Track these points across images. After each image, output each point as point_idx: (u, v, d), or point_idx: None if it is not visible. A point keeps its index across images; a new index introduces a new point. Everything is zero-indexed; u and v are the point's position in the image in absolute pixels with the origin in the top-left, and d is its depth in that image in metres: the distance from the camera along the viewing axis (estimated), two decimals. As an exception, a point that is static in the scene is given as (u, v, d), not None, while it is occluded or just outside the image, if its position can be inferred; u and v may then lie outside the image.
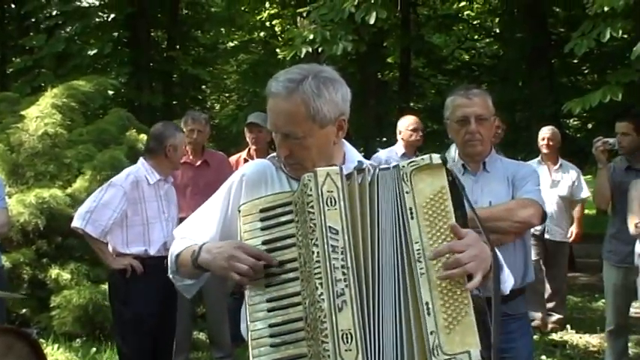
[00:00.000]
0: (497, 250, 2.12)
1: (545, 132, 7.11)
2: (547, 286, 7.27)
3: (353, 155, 2.32)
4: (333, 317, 1.84)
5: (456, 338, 1.83)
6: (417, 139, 6.62)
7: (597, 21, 6.72)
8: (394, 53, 15.26)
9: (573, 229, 7.27)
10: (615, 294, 5.68)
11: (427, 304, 1.84)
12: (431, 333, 1.83)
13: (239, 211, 2.10)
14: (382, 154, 6.65)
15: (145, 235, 4.86)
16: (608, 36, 6.56)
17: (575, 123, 14.62)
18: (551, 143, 7.01)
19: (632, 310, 6.06)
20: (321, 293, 1.86)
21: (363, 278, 1.89)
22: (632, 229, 5.09)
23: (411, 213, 1.92)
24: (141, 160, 5.02)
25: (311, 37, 8.34)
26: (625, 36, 7.43)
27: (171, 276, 2.36)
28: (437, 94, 14.81)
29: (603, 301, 6.60)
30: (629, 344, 6.16)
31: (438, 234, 1.91)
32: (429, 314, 1.83)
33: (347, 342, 1.82)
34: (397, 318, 1.88)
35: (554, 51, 11.87)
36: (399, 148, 6.67)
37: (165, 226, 4.93)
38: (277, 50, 10.82)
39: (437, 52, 15.70)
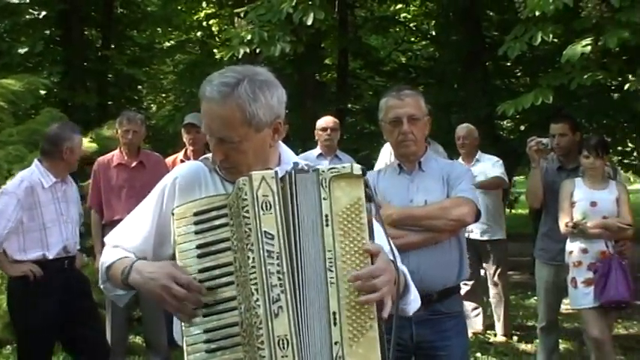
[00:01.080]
0: (403, 271, 2.17)
1: (459, 131, 7.12)
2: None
3: (288, 156, 2.30)
4: (269, 323, 1.84)
5: (359, 351, 1.85)
6: (327, 139, 6.62)
7: (529, 25, 6.86)
8: (332, 55, 15.32)
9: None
10: (547, 291, 5.81)
11: (334, 314, 1.86)
12: (335, 343, 1.84)
13: (172, 214, 2.06)
14: (301, 155, 6.60)
15: (42, 240, 4.78)
16: (539, 40, 6.71)
17: (509, 124, 14.90)
18: (466, 142, 7.02)
19: (562, 306, 6.21)
20: (257, 299, 1.85)
21: (297, 284, 1.89)
22: (562, 227, 5.22)
23: (327, 220, 1.91)
24: (35, 162, 4.91)
25: (248, 37, 8.30)
26: (555, 40, 7.60)
27: (102, 286, 2.29)
28: (374, 95, 14.89)
29: (535, 298, 6.74)
30: (560, 340, 6.32)
31: (351, 245, 1.90)
32: (335, 324, 1.85)
33: (283, 348, 1.83)
34: (323, 325, 1.88)
35: (489, 54, 12.07)
36: (316, 149, 6.71)
37: (65, 229, 4.86)
38: (215, 50, 10.73)
39: (374, 54, 15.81)
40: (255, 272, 1.88)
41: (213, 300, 1.95)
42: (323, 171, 1.97)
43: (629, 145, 12.77)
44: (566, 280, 5.28)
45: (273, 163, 2.23)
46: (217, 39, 15.45)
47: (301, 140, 11.89)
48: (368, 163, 7.75)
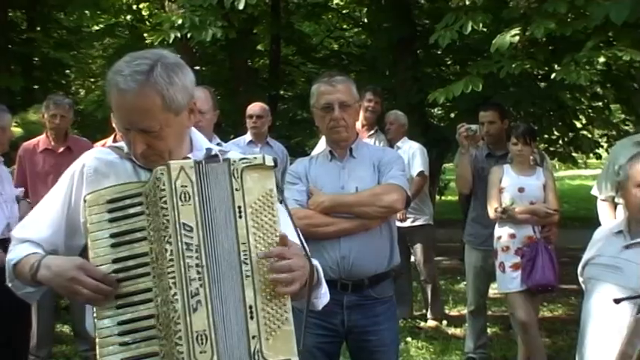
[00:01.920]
0: (316, 266, 2.17)
1: (386, 116, 7.11)
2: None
3: (200, 142, 2.24)
4: (188, 318, 1.79)
5: (276, 345, 1.84)
6: (255, 126, 6.59)
7: (459, 14, 6.95)
8: (264, 41, 15.21)
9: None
10: (475, 276, 5.93)
11: (251, 307, 1.85)
12: (253, 337, 1.83)
13: (84, 201, 1.98)
14: (232, 142, 6.51)
15: None
16: (469, 28, 6.80)
17: (439, 112, 15.08)
18: (391, 127, 6.99)
19: (490, 291, 6.34)
20: (175, 293, 1.81)
21: (214, 277, 1.85)
22: (491, 213, 5.32)
23: (240, 212, 1.89)
24: None
25: (179, 22, 8.19)
26: (485, 29, 7.71)
27: (9, 284, 2.18)
28: (306, 82, 14.86)
29: (465, 283, 6.86)
30: (488, 324, 6.45)
31: (265, 237, 1.89)
32: (251, 318, 1.84)
33: (201, 343, 1.79)
34: (240, 319, 1.86)
35: (420, 42, 12.16)
36: (247, 135, 6.68)
37: (6, 208, 4.73)
38: (145, 35, 10.54)
39: (306, 41, 15.76)
40: (173, 265, 1.83)
41: (128, 291, 1.89)
42: (234, 161, 1.94)
43: (555, 133, 13.06)
44: (495, 265, 5.39)
45: (185, 147, 2.17)
46: (147, 23, 15.14)
47: (233, 127, 11.80)
48: (301, 150, 7.75)
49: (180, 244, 1.83)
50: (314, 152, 5.63)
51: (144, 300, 1.88)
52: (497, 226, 5.34)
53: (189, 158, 2.05)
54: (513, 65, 6.79)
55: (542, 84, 11.16)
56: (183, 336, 1.78)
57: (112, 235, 1.92)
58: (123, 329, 1.88)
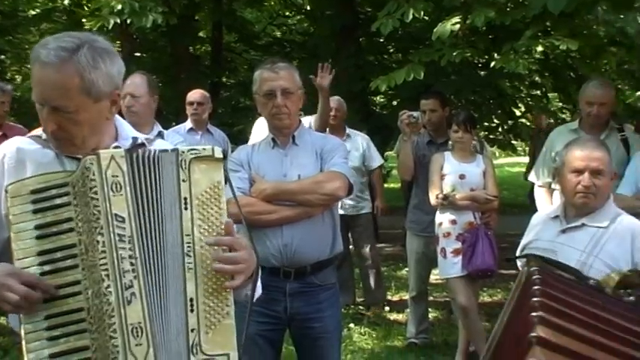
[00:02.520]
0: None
1: (331, 103, 6.80)
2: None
3: (126, 131, 2.18)
4: (122, 311, 1.76)
5: (216, 339, 1.83)
6: (195, 113, 6.53)
7: (401, 2, 6.97)
8: (206, 27, 15.06)
9: (378, 204, 7.15)
10: (417, 262, 5.99)
11: (191, 300, 1.82)
12: (192, 330, 1.81)
13: (6, 192, 1.89)
14: (172, 129, 6.37)
15: None
16: (411, 16, 6.83)
17: (382, 100, 15.16)
18: (338, 114, 6.83)
19: (432, 277, 6.41)
20: (108, 285, 1.76)
21: (151, 269, 1.81)
22: (432, 199, 5.38)
23: (186, 203, 1.85)
24: None
25: (119, 7, 8.02)
26: (426, 17, 7.77)
27: None
28: (249, 69, 14.75)
29: (407, 269, 6.93)
30: (429, 309, 6.54)
31: (210, 230, 1.87)
32: (192, 311, 1.82)
33: (137, 336, 1.76)
34: (179, 311, 1.83)
35: (362, 29, 12.20)
36: (188, 122, 6.61)
37: None
38: (83, 20, 10.32)
39: (249, 28, 15.66)
40: (105, 257, 1.78)
41: (55, 284, 1.82)
42: (183, 152, 1.90)
43: (495, 120, 13.28)
44: (436, 251, 5.46)
45: (109, 136, 2.11)
46: (86, 8, 14.85)
47: (175, 114, 11.66)
48: (243, 138, 7.70)
49: (112, 235, 1.79)
50: (251, 138, 5.61)
51: (72, 293, 1.82)
52: (438, 212, 5.40)
53: (119, 147, 1.99)
54: (454, 53, 6.86)
55: (483, 72, 11.31)
56: (117, 329, 1.75)
57: (37, 227, 1.85)
58: (51, 323, 1.81)
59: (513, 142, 14.45)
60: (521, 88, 13.05)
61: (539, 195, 5.14)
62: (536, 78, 12.45)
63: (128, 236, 1.80)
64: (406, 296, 6.87)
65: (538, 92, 13.60)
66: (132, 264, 1.78)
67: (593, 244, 3.09)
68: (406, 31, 10.89)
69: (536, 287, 1.17)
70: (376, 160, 7.01)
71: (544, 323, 1.09)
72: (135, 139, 2.08)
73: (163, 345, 1.79)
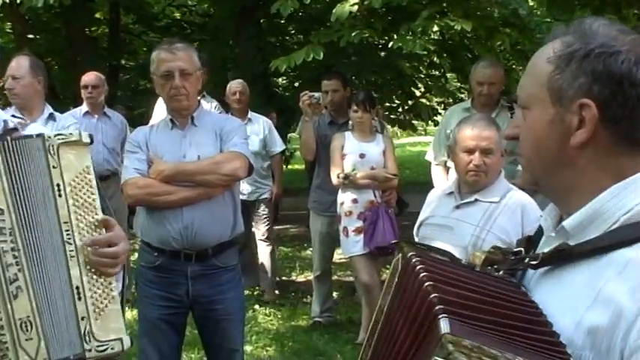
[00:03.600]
0: None
1: (235, 86, 6.81)
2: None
3: None
4: (8, 306, 1.68)
5: (106, 324, 1.80)
6: (89, 97, 6.38)
7: (300, -18, 6.98)
8: (102, 8, 14.64)
9: (273, 189, 6.97)
10: (321, 242, 6.04)
11: (77, 288, 1.78)
12: (82, 319, 1.77)
13: None
14: (68, 113, 6.15)
15: None
16: (310, -3, 6.86)
17: (284, 81, 15.17)
18: (242, 97, 6.71)
19: (335, 256, 6.49)
20: None
21: (34, 260, 1.74)
22: (334, 179, 5.44)
23: (59, 190, 1.79)
24: None
25: (7, -14, 7.73)
26: (326, -2, 7.82)
27: None
28: (148, 51, 14.43)
29: (311, 249, 6.98)
30: (334, 287, 6.62)
31: (87, 216, 1.83)
32: (79, 299, 1.78)
33: (27, 331, 1.69)
34: (67, 301, 1.78)
35: (262, 11, 12.14)
36: (83, 106, 6.46)
37: None
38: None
39: (147, 9, 15.31)
40: None
41: None
42: (49, 137, 1.82)
43: (395, 101, 13.50)
44: (339, 230, 5.52)
45: None
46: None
47: (72, 98, 11.34)
48: (144, 122, 7.57)
49: None
50: (152, 119, 5.52)
51: None
52: (340, 191, 5.46)
53: None
54: (353, 34, 6.91)
55: (382, 53, 11.46)
56: (5, 325, 1.68)
57: None
58: None
59: (414, 121, 14.73)
60: (420, 68, 13.30)
61: (436, 173, 5.28)
62: (435, 58, 12.70)
63: (9, 228, 1.71)
64: (310, 276, 6.93)
65: (436, 72, 13.89)
66: (15, 257, 1.71)
67: (486, 218, 3.20)
68: (307, 13, 10.92)
69: (418, 265, 1.20)
70: (278, 145, 6.93)
71: (437, 291, 1.12)
72: (5, 122, 1.96)
73: (55, 336, 1.74)
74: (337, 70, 7.62)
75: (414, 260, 1.20)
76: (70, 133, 1.86)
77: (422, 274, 1.16)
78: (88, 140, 1.86)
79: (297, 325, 6.20)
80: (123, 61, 15.03)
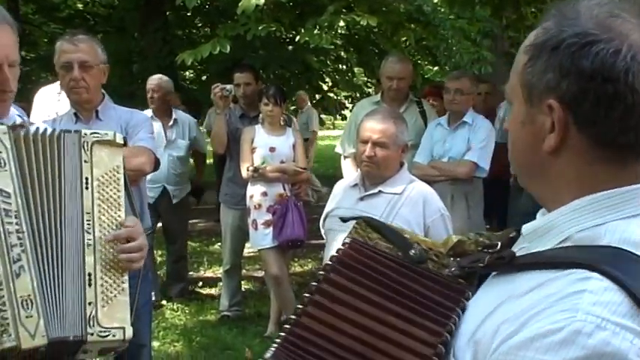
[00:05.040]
0: None
1: (149, 83, 6.48)
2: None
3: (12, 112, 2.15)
4: (11, 284, 1.75)
5: (112, 313, 1.89)
6: None
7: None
8: (0, -2, 14.17)
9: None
10: (232, 235, 6.01)
11: (90, 275, 1.87)
12: (89, 304, 1.85)
13: None
14: None
15: None
16: (216, -10, 6.81)
17: (191, 75, 15.03)
18: (156, 95, 6.36)
19: (245, 249, 6.49)
20: None
21: (42, 242, 1.82)
22: (244, 172, 5.44)
23: (87, 183, 1.92)
24: None
25: None
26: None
27: None
28: (50, 43, 14.06)
29: (219, 244, 6.95)
30: (243, 281, 6.62)
31: (109, 210, 1.95)
32: (89, 285, 1.86)
33: (27, 308, 1.76)
34: (77, 285, 1.86)
35: (169, 3, 11.99)
36: None
37: None
38: None
39: (48, -1, 14.92)
40: None
41: None
42: (85, 134, 1.98)
43: (303, 95, 13.56)
44: (249, 223, 5.52)
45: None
46: None
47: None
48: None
49: None
50: (33, 111, 5.36)
51: None
52: (249, 185, 5.46)
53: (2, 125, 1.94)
54: (260, 28, 6.91)
55: (290, 47, 11.50)
56: (7, 301, 1.74)
57: None
58: None
59: (322, 115, 14.84)
60: (328, 62, 13.41)
61: (345, 166, 5.35)
62: (342, 53, 12.84)
63: (14, 211, 1.80)
64: (219, 271, 6.91)
65: (344, 67, 14.04)
66: (19, 238, 1.79)
67: (389, 209, 3.28)
68: (213, 5, 10.84)
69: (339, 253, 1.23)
70: (202, 143, 6.89)
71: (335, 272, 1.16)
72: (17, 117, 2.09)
73: (56, 317, 1.80)
74: (249, 64, 7.61)
75: (343, 248, 1.23)
76: (106, 133, 2.01)
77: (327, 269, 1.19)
78: (121, 142, 2.03)
79: (206, 319, 6.17)
80: (23, 53, 14.54)
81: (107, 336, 1.86)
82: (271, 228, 5.34)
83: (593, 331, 0.88)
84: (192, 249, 8.89)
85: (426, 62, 14.12)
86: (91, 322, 1.84)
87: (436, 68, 14.65)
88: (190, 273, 7.63)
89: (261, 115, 5.59)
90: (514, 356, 0.92)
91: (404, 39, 10.23)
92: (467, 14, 9.22)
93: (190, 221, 9.76)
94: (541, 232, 1.07)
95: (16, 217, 1.80)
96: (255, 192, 5.42)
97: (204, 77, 12.80)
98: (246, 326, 5.94)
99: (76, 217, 1.89)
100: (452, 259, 1.24)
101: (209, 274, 7.76)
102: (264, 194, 5.39)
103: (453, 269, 1.21)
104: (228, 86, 5.68)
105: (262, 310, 6.27)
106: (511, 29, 10.07)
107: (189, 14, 12.31)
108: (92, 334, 1.84)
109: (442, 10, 8.99)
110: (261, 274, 7.05)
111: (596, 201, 1.01)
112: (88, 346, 1.86)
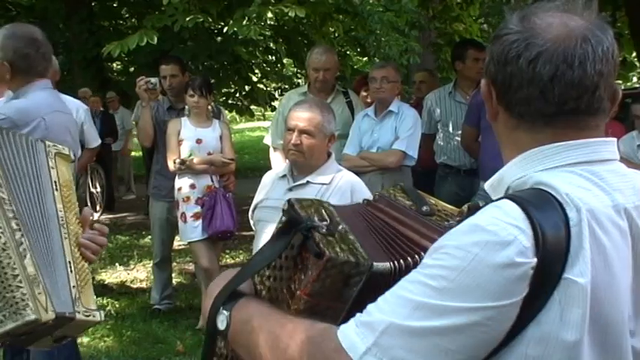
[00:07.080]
0: None
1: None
2: None
3: None
4: (22, 263, 1.85)
5: (88, 298, 2.00)
6: None
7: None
8: None
9: None
10: (161, 228, 5.96)
11: (70, 263, 1.98)
12: (73, 287, 1.95)
13: None
14: None
15: None
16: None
17: (119, 66, 14.81)
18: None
19: (175, 242, 6.45)
20: (6, 241, 1.84)
21: (32, 229, 1.93)
22: (170, 165, 5.40)
23: (57, 185, 2.05)
24: None
25: None
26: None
27: None
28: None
29: (149, 237, 6.89)
30: (173, 274, 6.58)
31: (71, 210, 2.08)
32: (71, 271, 1.97)
33: (37, 286, 1.84)
34: (62, 270, 1.95)
35: (94, -7, 11.83)
36: None
37: None
38: None
39: (-36, -13, 14.44)
40: None
41: None
42: (49, 145, 2.11)
43: (233, 86, 13.51)
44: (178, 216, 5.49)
45: None
46: None
47: None
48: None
49: None
50: None
51: None
52: (177, 177, 5.43)
53: None
54: (187, 19, 6.87)
55: (219, 38, 11.43)
56: (23, 279, 1.83)
57: None
58: None
59: (252, 106, 14.81)
60: (257, 54, 13.37)
61: (274, 157, 5.37)
62: (271, 44, 12.82)
63: (7, 199, 1.90)
64: (149, 264, 6.86)
65: (273, 58, 14.02)
66: (17, 224, 1.89)
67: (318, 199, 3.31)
68: (140, -4, 10.71)
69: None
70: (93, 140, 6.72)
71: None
72: None
73: (57, 296, 1.89)
74: (175, 55, 7.54)
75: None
76: (63, 148, 2.16)
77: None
78: (72, 157, 2.22)
79: (136, 313, 6.11)
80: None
81: (89, 316, 1.97)
82: (200, 220, 5.32)
83: (488, 224, 1.14)
84: (121, 243, 8.80)
85: (355, 53, 14.23)
86: (77, 303, 1.93)
87: (365, 59, 14.77)
88: (120, 267, 7.55)
89: (187, 107, 5.55)
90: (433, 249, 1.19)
91: (332, 30, 10.31)
92: (395, 6, 9.35)
93: (119, 215, 9.68)
94: (496, 185, 1.34)
95: (10, 205, 1.90)
96: (183, 184, 5.39)
97: (132, 68, 12.61)
98: (177, 319, 5.91)
99: (54, 211, 2.01)
100: (458, 219, 1.44)
101: (139, 267, 7.69)
102: (193, 186, 5.36)
103: (451, 222, 1.45)
104: (153, 79, 5.62)
105: (194, 302, 6.25)
106: (437, 20, 10.26)
107: (115, 5, 12.15)
108: (79, 313, 1.93)
109: (370, 1, 9.08)
110: (192, 266, 7.02)
111: (523, 159, 1.28)
112: (73, 325, 1.95)
